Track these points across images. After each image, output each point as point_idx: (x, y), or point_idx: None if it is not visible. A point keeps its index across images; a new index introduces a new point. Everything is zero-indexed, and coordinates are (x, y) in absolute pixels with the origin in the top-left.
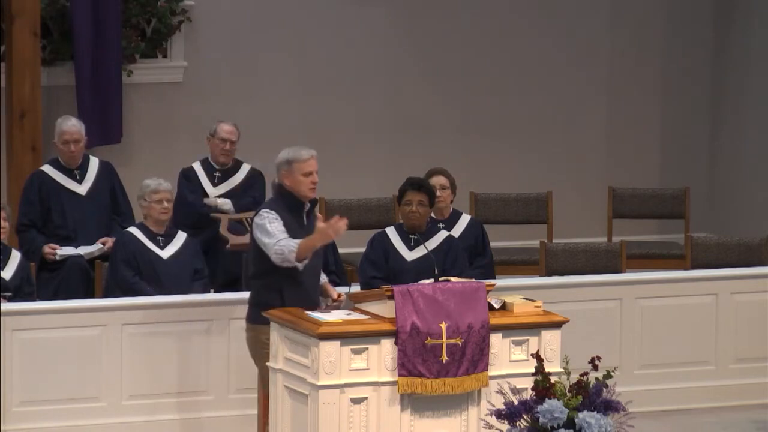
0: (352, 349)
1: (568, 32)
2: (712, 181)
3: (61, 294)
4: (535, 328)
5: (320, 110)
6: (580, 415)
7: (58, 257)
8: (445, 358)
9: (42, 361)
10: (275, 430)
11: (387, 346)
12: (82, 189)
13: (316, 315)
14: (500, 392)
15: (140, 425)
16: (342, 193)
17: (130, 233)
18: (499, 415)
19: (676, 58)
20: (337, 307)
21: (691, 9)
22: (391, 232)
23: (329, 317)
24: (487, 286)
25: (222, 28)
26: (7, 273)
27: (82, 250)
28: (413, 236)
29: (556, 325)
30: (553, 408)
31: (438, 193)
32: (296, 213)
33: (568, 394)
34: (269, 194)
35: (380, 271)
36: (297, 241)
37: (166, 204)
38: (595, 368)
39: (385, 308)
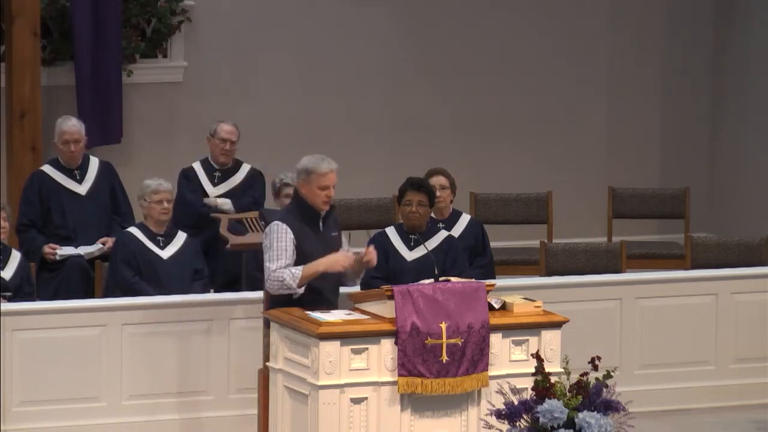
0: (352, 349)
1: (568, 32)
2: (712, 181)
3: (61, 294)
4: (535, 328)
5: (320, 110)
6: (580, 415)
7: (58, 257)
8: (445, 358)
9: (42, 361)
10: (275, 430)
11: (387, 346)
12: (82, 189)
13: (316, 315)
14: (500, 392)
15: (140, 425)
16: (342, 193)
17: (130, 233)
18: (499, 415)
19: (676, 58)
20: (368, 264)
21: (691, 9)
22: (391, 232)
23: (329, 317)
24: (487, 286)
25: (222, 28)
26: (7, 273)
27: (82, 250)
28: (413, 236)
29: (556, 325)
30: (553, 408)
31: (438, 193)
32: (311, 221)
33: (568, 394)
34: (269, 194)
35: (380, 271)
36: (300, 268)
37: (166, 204)
38: (595, 368)
39: (385, 308)
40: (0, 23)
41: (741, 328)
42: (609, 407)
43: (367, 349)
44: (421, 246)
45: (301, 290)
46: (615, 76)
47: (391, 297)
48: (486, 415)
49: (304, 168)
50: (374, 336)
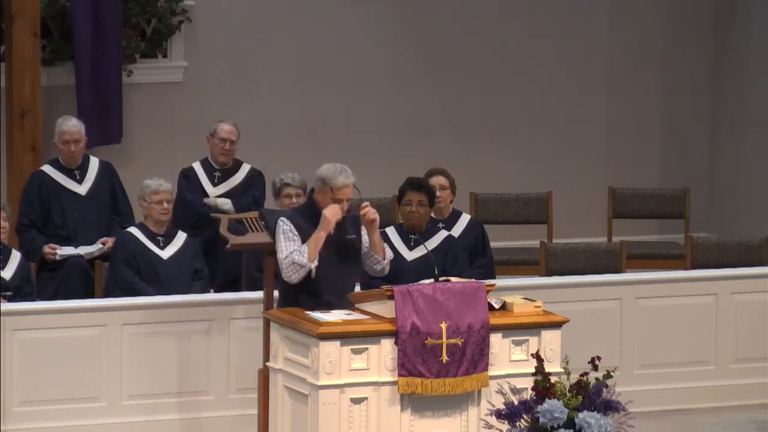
0: (352, 349)
1: (568, 32)
2: (712, 181)
3: (61, 294)
4: (535, 328)
5: (320, 110)
6: (580, 415)
7: (58, 257)
8: (445, 358)
9: (42, 361)
10: (275, 430)
11: (387, 346)
12: (82, 189)
13: (316, 315)
14: (500, 392)
15: (140, 425)
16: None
17: (130, 233)
18: (499, 415)
19: (676, 59)
20: (372, 224)
21: (691, 9)
22: (391, 232)
23: (329, 317)
24: (487, 286)
25: (222, 28)
26: (7, 273)
27: (82, 250)
28: (413, 236)
29: (556, 325)
30: (553, 408)
31: (438, 193)
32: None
33: (568, 394)
34: (269, 194)
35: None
36: (304, 244)
37: (166, 204)
38: (595, 368)
39: (385, 308)
40: (0, 23)
41: (741, 328)
42: (609, 407)
43: (367, 349)
44: (421, 246)
45: (315, 263)
46: (615, 76)
47: (391, 297)
48: (486, 415)
49: (322, 177)
50: (374, 336)
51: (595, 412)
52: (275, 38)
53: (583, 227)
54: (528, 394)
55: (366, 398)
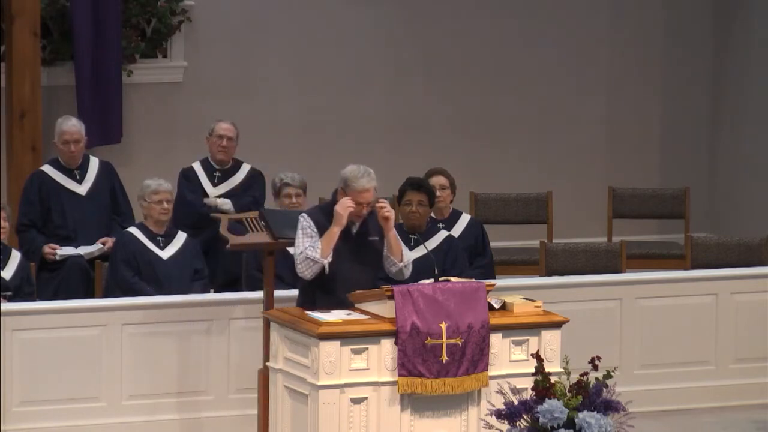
0: (352, 349)
1: (568, 32)
2: (712, 181)
3: (61, 294)
4: (535, 328)
5: (320, 110)
6: (580, 415)
7: (58, 257)
8: (445, 358)
9: (42, 361)
10: (275, 430)
11: (387, 346)
12: (82, 189)
13: (316, 315)
14: (500, 392)
15: (140, 425)
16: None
17: (130, 233)
18: (499, 415)
19: (676, 58)
20: (386, 221)
21: (691, 9)
22: None
23: (329, 317)
24: (487, 286)
25: (222, 28)
26: (7, 273)
27: (82, 250)
28: (413, 236)
29: (556, 325)
30: (553, 408)
31: (438, 193)
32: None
33: (568, 394)
34: (269, 194)
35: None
36: (319, 240)
37: (166, 205)
38: (595, 368)
39: (385, 308)
40: (0, 23)
41: (741, 328)
42: (609, 407)
43: (367, 349)
44: (421, 246)
45: (329, 258)
46: (615, 76)
47: (391, 297)
48: (486, 415)
49: (345, 178)
50: (374, 336)
51: (595, 412)
52: (275, 38)
53: (583, 227)
54: (528, 394)
55: (366, 398)
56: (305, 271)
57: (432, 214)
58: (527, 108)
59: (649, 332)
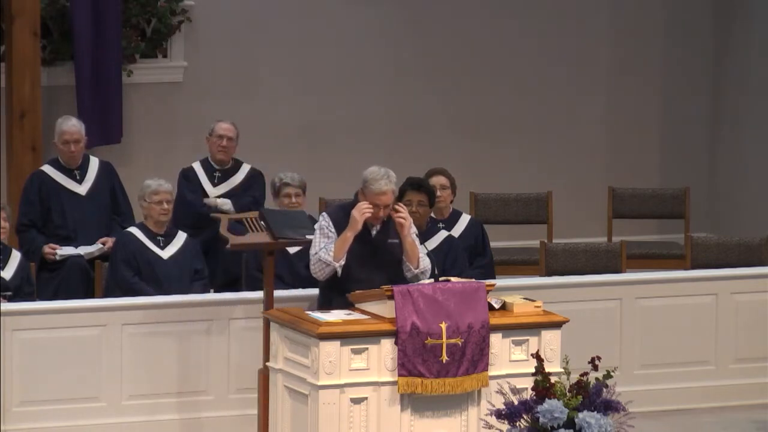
0: (352, 349)
1: (568, 32)
2: (712, 181)
3: (61, 294)
4: (535, 328)
5: (320, 110)
6: (580, 415)
7: (58, 257)
8: (445, 358)
9: (42, 361)
10: (275, 430)
11: (387, 346)
12: (82, 189)
13: (316, 315)
14: (500, 392)
15: (140, 425)
16: (342, 194)
17: (130, 233)
18: (499, 415)
19: (676, 58)
20: (401, 226)
21: (691, 9)
22: None
23: (329, 317)
24: (487, 286)
25: (222, 28)
26: (7, 273)
27: (82, 250)
28: None
29: (556, 325)
30: (553, 408)
31: (438, 193)
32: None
33: (568, 394)
34: (269, 194)
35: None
36: (332, 243)
37: (166, 205)
38: (595, 368)
39: (385, 308)
40: (0, 23)
41: (741, 328)
42: (609, 407)
43: (367, 349)
44: (422, 246)
45: (342, 262)
46: (615, 76)
47: (391, 297)
48: (486, 415)
49: (365, 179)
50: (374, 336)
51: (595, 412)
52: (275, 38)
53: (583, 227)
54: (528, 394)
55: (366, 398)
56: (318, 272)
57: (432, 214)
58: (527, 108)
59: (649, 332)
